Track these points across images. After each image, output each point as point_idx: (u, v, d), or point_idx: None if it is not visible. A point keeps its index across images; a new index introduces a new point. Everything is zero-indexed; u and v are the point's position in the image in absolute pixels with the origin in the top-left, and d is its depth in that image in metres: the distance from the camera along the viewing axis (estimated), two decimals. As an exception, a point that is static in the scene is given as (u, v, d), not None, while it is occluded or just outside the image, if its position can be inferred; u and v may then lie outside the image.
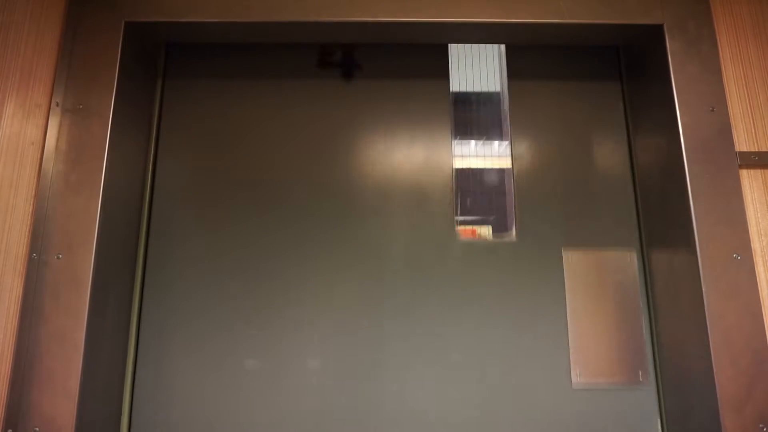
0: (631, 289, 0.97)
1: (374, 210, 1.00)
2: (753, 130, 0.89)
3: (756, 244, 0.84)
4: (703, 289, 0.81)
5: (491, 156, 1.05)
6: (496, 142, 1.05)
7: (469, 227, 1.00)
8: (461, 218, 1.01)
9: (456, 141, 1.04)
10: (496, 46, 1.09)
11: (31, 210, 0.83)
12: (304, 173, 1.01)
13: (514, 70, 1.08)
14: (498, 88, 1.08)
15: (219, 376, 0.93)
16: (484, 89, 1.08)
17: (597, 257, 0.98)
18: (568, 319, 0.95)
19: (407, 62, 1.07)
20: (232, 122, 1.03)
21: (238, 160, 1.01)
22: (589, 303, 0.96)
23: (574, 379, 0.93)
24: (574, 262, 0.98)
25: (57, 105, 0.86)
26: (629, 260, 0.98)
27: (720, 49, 0.92)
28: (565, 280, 0.97)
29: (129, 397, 0.92)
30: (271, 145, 1.02)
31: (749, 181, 0.86)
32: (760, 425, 0.77)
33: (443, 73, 1.07)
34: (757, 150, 0.87)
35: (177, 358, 0.93)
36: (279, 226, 0.99)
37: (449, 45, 1.08)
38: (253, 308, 0.95)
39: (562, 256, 0.98)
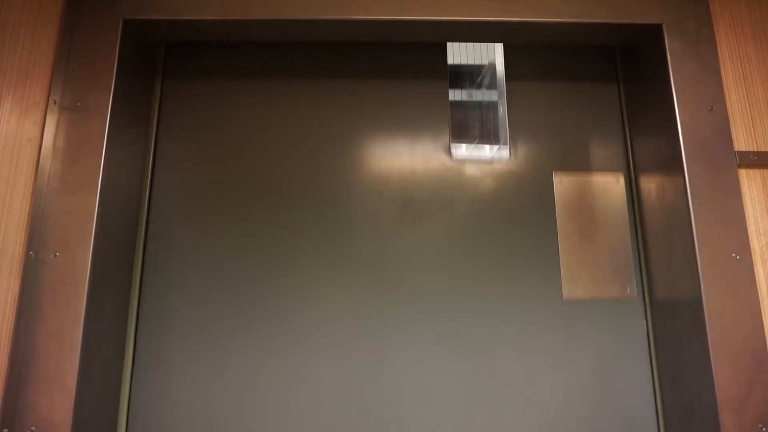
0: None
1: (372, 209, 0.99)
2: (752, 130, 0.89)
3: (755, 244, 0.84)
4: (702, 289, 0.81)
5: (489, 160, 1.05)
6: (495, 144, 1.05)
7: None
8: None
9: (454, 142, 1.04)
10: (493, 45, 1.09)
11: (27, 208, 0.82)
12: (304, 173, 1.01)
13: (512, 69, 1.08)
14: (495, 87, 1.08)
15: (217, 376, 0.92)
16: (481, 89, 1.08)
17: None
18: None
19: (406, 61, 1.07)
20: (231, 121, 1.03)
21: (236, 159, 1.01)
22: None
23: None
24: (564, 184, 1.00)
25: (55, 103, 0.86)
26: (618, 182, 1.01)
27: (719, 48, 0.92)
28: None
29: (126, 397, 0.91)
30: (271, 144, 1.02)
31: (748, 180, 0.86)
32: (759, 425, 0.76)
33: (441, 73, 1.06)
34: (756, 150, 0.87)
35: (175, 357, 0.93)
36: (278, 226, 0.98)
37: (447, 43, 1.09)
38: (252, 306, 0.95)
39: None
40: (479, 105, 1.06)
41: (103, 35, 0.89)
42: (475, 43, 1.06)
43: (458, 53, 1.08)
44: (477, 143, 1.02)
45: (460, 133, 1.04)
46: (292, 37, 0.99)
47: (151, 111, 1.03)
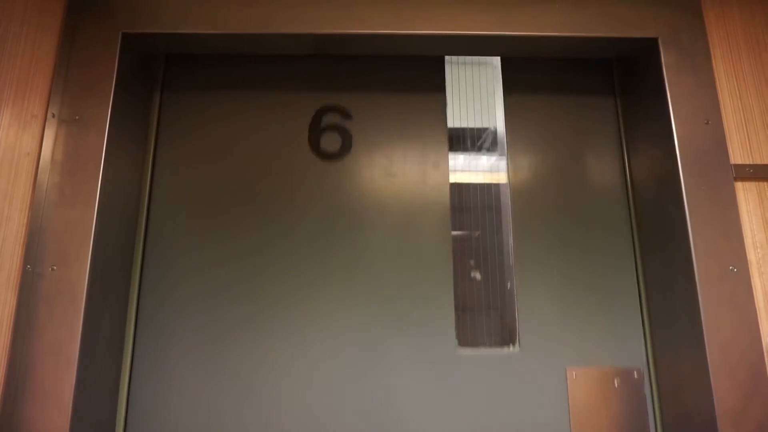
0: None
1: (370, 220, 1.00)
2: (747, 143, 0.89)
3: (752, 257, 0.85)
4: (700, 302, 0.81)
5: (487, 171, 1.05)
6: (493, 157, 1.06)
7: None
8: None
9: (451, 155, 1.05)
10: (491, 59, 1.10)
11: (25, 222, 0.82)
12: (302, 183, 1.01)
13: (509, 83, 1.08)
14: (494, 102, 1.08)
15: (216, 388, 0.92)
16: (480, 103, 1.09)
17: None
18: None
19: (403, 74, 1.07)
20: (230, 132, 1.03)
21: (235, 171, 1.01)
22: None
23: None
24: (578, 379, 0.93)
25: (53, 116, 0.86)
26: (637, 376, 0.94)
27: (714, 62, 0.93)
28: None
29: (124, 411, 0.91)
30: (269, 156, 1.02)
31: (744, 193, 0.87)
32: (758, 438, 0.76)
33: (439, 86, 1.07)
34: (751, 163, 0.88)
35: (173, 370, 0.93)
36: (277, 237, 0.98)
37: (445, 57, 1.09)
38: (250, 319, 0.95)
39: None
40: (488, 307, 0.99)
41: (102, 48, 0.90)
42: (477, 109, 1.05)
43: (458, 118, 1.07)
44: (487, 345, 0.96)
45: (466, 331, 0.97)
46: (289, 50, 1.00)
47: (150, 122, 1.03)
